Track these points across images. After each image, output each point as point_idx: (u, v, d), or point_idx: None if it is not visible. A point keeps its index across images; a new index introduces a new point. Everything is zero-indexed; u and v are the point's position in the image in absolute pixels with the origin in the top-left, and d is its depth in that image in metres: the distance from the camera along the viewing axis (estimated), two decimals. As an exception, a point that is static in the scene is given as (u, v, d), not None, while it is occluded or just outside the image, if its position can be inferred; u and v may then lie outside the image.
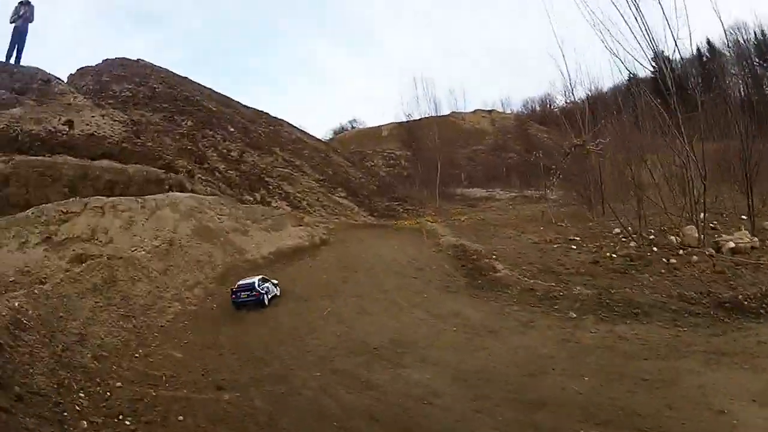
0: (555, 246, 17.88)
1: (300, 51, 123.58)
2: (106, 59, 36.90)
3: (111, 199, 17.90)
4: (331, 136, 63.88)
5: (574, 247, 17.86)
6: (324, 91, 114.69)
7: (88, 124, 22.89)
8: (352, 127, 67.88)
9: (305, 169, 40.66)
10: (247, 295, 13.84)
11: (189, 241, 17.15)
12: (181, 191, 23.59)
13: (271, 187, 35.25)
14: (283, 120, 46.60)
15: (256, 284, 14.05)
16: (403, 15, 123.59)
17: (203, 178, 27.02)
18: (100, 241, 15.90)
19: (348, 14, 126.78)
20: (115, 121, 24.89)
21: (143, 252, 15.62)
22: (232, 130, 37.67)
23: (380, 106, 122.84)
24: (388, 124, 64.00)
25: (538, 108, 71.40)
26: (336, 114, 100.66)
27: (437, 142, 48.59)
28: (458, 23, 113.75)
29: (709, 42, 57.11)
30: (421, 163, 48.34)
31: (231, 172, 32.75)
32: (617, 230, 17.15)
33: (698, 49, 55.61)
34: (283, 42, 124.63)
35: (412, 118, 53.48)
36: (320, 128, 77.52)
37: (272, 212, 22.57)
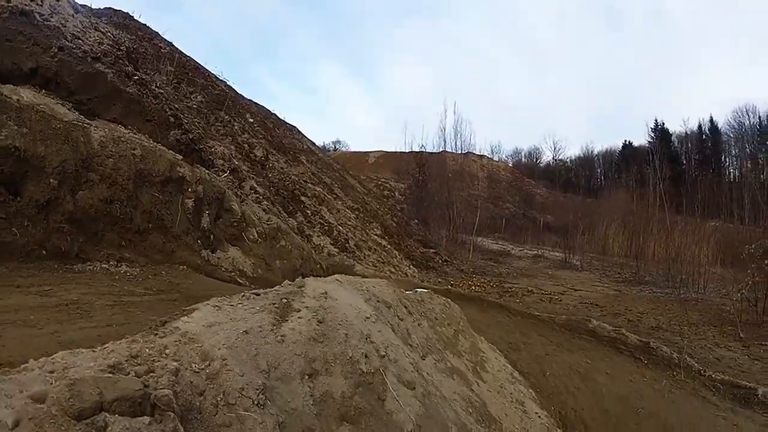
0: None
1: (300, 60, 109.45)
2: (109, 7, 18.96)
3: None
4: (313, 154, 49.34)
5: None
6: (313, 105, 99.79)
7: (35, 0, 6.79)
8: (335, 149, 53.38)
9: (335, 190, 25.85)
10: None
11: None
12: (220, 215, 8.83)
13: (308, 211, 19.99)
14: (292, 125, 31.37)
15: None
16: (405, 52, 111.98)
17: (257, 188, 11.37)
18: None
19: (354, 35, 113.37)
20: (99, 32, 8.83)
21: None
22: (251, 120, 22.22)
23: (367, 133, 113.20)
24: (375, 151, 56.78)
25: (524, 159, 63.65)
26: (319, 132, 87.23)
27: (447, 180, 39.45)
28: (457, 65, 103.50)
29: (711, 121, 53.55)
30: (422, 199, 38.59)
31: (258, 179, 16.81)
32: None
33: (699, 126, 53.75)
34: (286, 47, 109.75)
35: (424, 149, 43.62)
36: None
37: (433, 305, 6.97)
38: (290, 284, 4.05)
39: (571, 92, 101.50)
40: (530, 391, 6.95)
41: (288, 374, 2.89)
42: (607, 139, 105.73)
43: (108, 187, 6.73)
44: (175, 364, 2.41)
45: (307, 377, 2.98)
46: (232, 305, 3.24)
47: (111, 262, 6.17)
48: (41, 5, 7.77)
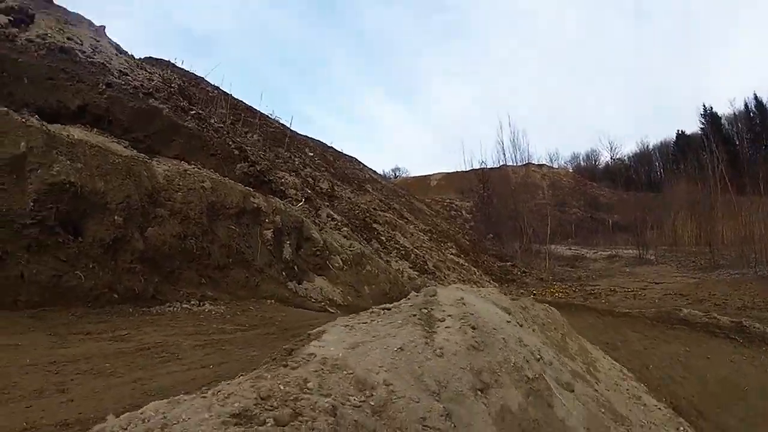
0: None
1: (345, 94, 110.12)
2: (149, 56, 18.62)
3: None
4: (377, 183, 49.54)
5: None
6: (366, 136, 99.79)
7: (73, 39, 6.22)
8: (396, 176, 53.25)
9: (405, 214, 24.89)
10: None
11: None
12: (300, 245, 7.28)
13: (383, 237, 18.96)
14: (351, 156, 31.07)
15: None
16: (445, 69, 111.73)
17: (334, 215, 10.51)
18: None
19: (394, 63, 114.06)
20: (145, 71, 8.32)
21: None
22: (311, 154, 21.80)
23: (424, 156, 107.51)
24: (436, 173, 55.41)
25: (583, 163, 62.62)
26: (378, 161, 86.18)
27: (512, 193, 39.73)
28: (501, 78, 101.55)
29: (756, 97, 51.24)
30: (489, 215, 38.06)
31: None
32: None
33: (746, 105, 51.98)
34: (328, 81, 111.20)
35: (485, 166, 43.68)
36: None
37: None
38: (417, 295, 3.45)
39: (616, 87, 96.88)
40: (642, 385, 6.62)
41: (460, 392, 2.34)
42: (661, 130, 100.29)
43: (180, 222, 5.99)
44: (327, 400, 1.67)
45: (479, 392, 2.45)
46: (364, 323, 2.73)
47: (192, 302, 5.32)
48: (81, 44, 7.33)
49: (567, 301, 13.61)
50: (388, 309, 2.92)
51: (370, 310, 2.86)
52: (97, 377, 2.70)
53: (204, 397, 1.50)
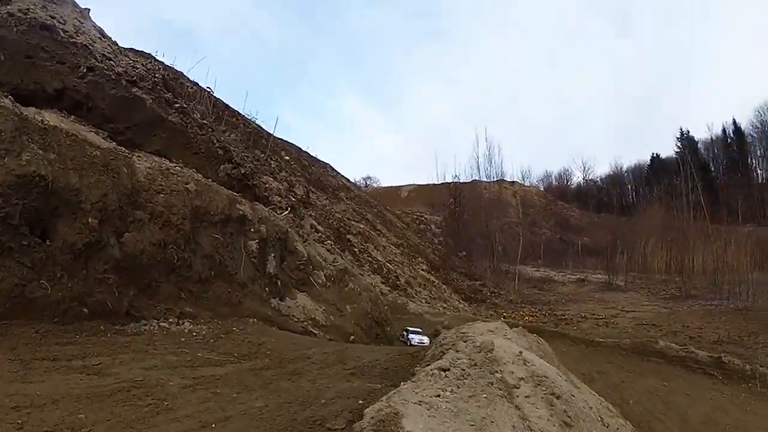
0: None
1: (321, 96, 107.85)
2: (131, 47, 17.68)
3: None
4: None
5: None
6: (341, 140, 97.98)
7: (56, 18, 5.56)
8: (366, 185, 52.63)
9: (378, 226, 24.65)
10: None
11: None
12: (284, 257, 6.78)
13: (356, 249, 18.80)
14: (325, 162, 30.46)
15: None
16: (423, 77, 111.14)
17: (318, 226, 10.00)
18: None
19: (373, 68, 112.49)
20: (129, 57, 7.61)
21: None
22: (287, 158, 21.16)
23: (396, 166, 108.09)
24: (408, 185, 55.46)
25: (555, 182, 64.63)
26: (350, 168, 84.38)
27: (483, 209, 39.38)
28: (477, 87, 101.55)
29: (735, 123, 51.44)
30: (458, 231, 37.27)
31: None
32: None
33: (723, 130, 51.31)
34: (306, 83, 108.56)
35: (458, 180, 43.86)
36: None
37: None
38: (465, 343, 3.24)
39: (593, 106, 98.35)
40: (627, 422, 6.45)
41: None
42: (635, 153, 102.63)
43: (161, 227, 5.38)
44: None
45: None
46: (437, 396, 2.35)
47: (170, 319, 4.73)
48: (64, 24, 6.64)
49: (539, 327, 13.59)
50: (447, 369, 2.67)
51: (426, 371, 2.42)
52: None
53: None
